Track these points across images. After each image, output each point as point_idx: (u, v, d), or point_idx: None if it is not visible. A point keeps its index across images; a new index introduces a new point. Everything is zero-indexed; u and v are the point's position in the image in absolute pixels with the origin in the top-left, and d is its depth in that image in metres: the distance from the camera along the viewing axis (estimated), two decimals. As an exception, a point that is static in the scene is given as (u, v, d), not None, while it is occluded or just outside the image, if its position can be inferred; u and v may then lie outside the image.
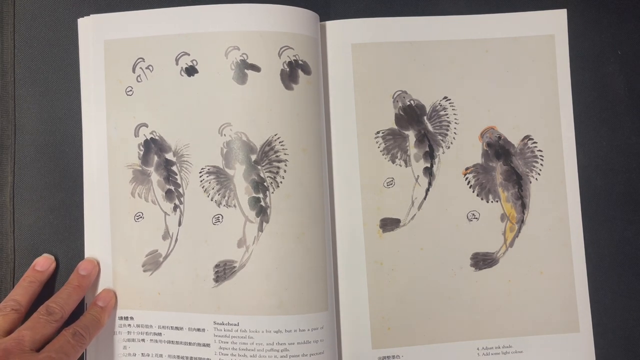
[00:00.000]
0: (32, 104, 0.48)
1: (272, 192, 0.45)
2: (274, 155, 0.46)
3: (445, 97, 0.49)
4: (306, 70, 0.47)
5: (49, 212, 0.48)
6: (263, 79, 0.46)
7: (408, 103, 0.49)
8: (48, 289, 0.47)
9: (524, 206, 0.49)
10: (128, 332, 0.47)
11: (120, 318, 0.47)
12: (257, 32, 0.46)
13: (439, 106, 0.49)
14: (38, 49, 0.49)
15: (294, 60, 0.46)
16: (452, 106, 0.49)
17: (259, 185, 0.45)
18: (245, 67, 0.46)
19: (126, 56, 0.48)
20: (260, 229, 0.45)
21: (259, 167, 0.45)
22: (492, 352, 0.48)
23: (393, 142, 0.49)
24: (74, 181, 0.48)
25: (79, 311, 0.46)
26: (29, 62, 0.48)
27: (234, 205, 0.46)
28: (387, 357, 0.48)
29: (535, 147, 0.50)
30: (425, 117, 0.49)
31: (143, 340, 0.47)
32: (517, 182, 0.49)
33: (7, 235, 0.48)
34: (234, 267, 0.45)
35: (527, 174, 0.50)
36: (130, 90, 0.48)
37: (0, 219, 0.48)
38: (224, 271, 0.45)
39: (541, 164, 0.50)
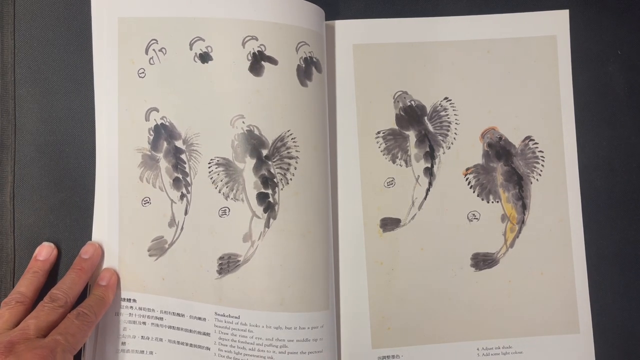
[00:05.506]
0: (32, 104, 0.48)
1: (282, 189, 0.45)
2: (286, 152, 0.45)
3: (446, 98, 0.49)
4: (318, 67, 0.46)
5: (49, 212, 0.48)
6: (280, 73, 0.45)
7: (409, 103, 0.49)
8: (53, 283, 0.47)
9: (524, 207, 0.49)
10: (130, 314, 0.47)
11: (123, 299, 0.47)
12: (274, 24, 0.45)
13: (439, 106, 0.49)
14: (38, 48, 0.48)
15: (309, 56, 0.46)
16: (453, 107, 0.49)
17: (269, 181, 0.45)
18: (262, 59, 0.45)
19: (140, 36, 0.46)
20: (267, 225, 0.45)
21: (270, 162, 0.45)
22: (492, 352, 0.48)
23: (394, 142, 0.49)
24: (74, 181, 0.48)
25: (84, 297, 0.46)
26: (29, 61, 0.48)
27: (242, 199, 0.45)
28: (387, 357, 0.48)
29: (537, 147, 0.50)
30: (425, 118, 0.49)
31: (144, 323, 0.47)
32: (518, 182, 0.49)
33: (7, 234, 0.48)
34: (238, 261, 0.45)
35: (527, 174, 0.49)
36: (143, 72, 0.47)
37: (0, 218, 0.48)
38: (227, 264, 0.45)
39: (542, 165, 0.50)
